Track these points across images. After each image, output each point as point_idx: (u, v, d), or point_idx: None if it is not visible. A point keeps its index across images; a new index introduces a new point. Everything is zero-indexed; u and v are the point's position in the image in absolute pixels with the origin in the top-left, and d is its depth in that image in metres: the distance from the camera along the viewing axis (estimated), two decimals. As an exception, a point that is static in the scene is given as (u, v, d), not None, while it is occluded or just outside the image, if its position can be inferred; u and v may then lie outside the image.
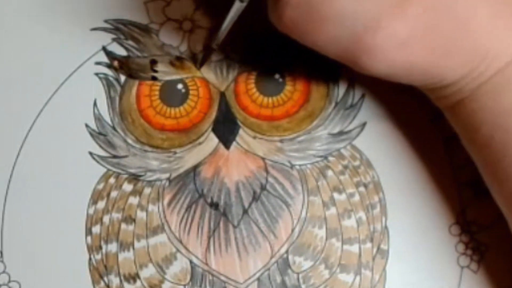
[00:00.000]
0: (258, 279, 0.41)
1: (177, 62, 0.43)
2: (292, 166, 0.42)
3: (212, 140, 0.42)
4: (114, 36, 0.43)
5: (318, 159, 0.42)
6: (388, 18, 0.33)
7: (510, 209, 0.37)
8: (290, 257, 0.41)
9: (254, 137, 0.43)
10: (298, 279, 0.41)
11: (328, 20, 0.33)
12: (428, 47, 0.34)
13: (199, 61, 0.43)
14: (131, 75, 0.43)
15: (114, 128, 0.43)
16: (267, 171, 0.42)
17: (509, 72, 0.34)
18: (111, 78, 0.43)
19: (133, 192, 0.42)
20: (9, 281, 0.41)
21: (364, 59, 0.34)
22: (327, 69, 0.42)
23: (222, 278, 0.41)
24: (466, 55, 0.34)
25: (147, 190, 0.42)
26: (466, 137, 0.37)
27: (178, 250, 0.41)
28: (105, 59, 0.43)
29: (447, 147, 0.41)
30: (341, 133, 0.43)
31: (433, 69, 0.34)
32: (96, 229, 0.42)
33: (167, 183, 0.42)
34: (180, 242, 0.41)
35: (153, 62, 0.43)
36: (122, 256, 0.41)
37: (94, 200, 0.42)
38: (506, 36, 0.34)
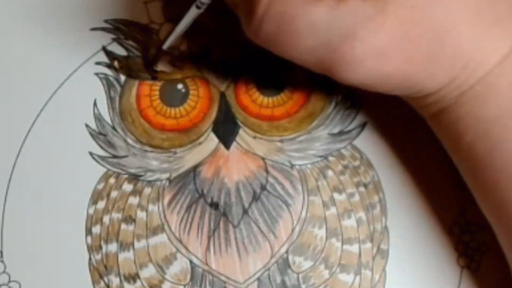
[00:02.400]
0: (258, 279, 0.41)
1: (177, 62, 0.43)
2: (292, 166, 0.42)
3: (212, 140, 0.42)
4: (114, 36, 0.43)
5: (318, 159, 0.42)
6: (363, 30, 0.32)
7: (495, 217, 0.37)
8: (290, 257, 0.41)
9: (254, 137, 0.43)
10: (298, 279, 0.41)
11: (303, 32, 0.33)
12: (406, 57, 0.33)
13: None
14: (131, 75, 0.43)
15: (114, 128, 0.43)
16: (267, 171, 0.42)
17: (490, 80, 0.34)
18: (111, 78, 0.43)
19: (133, 192, 0.42)
20: (9, 281, 0.41)
21: (340, 70, 0.34)
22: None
23: (222, 278, 0.41)
24: (446, 64, 0.34)
25: (147, 190, 0.42)
26: (449, 146, 0.37)
27: (178, 250, 0.41)
28: (105, 59, 0.43)
29: (447, 147, 0.41)
30: (341, 133, 0.43)
31: (412, 79, 0.34)
32: (96, 229, 0.42)
33: (167, 183, 0.42)
34: (180, 242, 0.41)
35: (153, 62, 0.43)
36: (122, 256, 0.41)
37: (94, 200, 0.42)
38: (487, 45, 0.34)
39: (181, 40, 0.43)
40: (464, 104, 0.35)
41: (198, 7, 0.36)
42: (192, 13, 0.37)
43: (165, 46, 0.40)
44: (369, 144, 0.42)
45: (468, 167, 0.37)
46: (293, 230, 0.41)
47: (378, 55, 0.33)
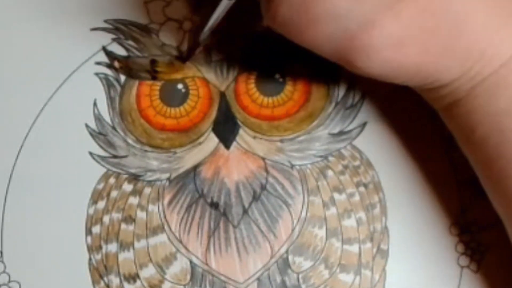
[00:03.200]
0: (258, 279, 0.41)
1: (177, 62, 0.43)
2: (292, 166, 0.42)
3: (212, 140, 0.42)
4: (114, 36, 0.43)
5: (318, 159, 0.42)
6: (382, 18, 0.33)
7: (506, 209, 0.37)
8: (290, 257, 0.41)
9: (254, 137, 0.43)
10: (298, 279, 0.41)
11: (321, 18, 0.33)
12: (423, 47, 0.34)
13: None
14: (131, 75, 0.43)
15: (114, 128, 0.43)
16: (267, 171, 0.42)
17: (504, 73, 0.34)
18: (111, 78, 0.43)
19: (133, 192, 0.42)
20: (9, 281, 0.41)
21: (357, 58, 0.34)
22: (327, 69, 0.42)
23: (222, 278, 0.41)
24: (461, 55, 0.34)
25: (147, 190, 0.42)
26: (461, 138, 0.37)
27: (178, 250, 0.41)
28: (105, 59, 0.43)
29: (447, 147, 0.41)
30: (341, 133, 0.43)
31: (428, 69, 0.34)
32: (96, 229, 0.42)
33: (167, 183, 0.42)
34: (180, 242, 0.41)
35: (153, 62, 0.43)
36: (122, 256, 0.41)
37: (94, 200, 0.42)
38: (502, 37, 0.34)
39: (181, 40, 0.43)
40: (477, 96, 0.35)
41: None
42: (223, 5, 0.37)
43: (201, 39, 0.40)
44: (369, 144, 0.42)
45: (480, 159, 0.37)
46: (293, 230, 0.41)
47: (395, 44, 0.33)
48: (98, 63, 0.43)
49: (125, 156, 0.42)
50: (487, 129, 0.35)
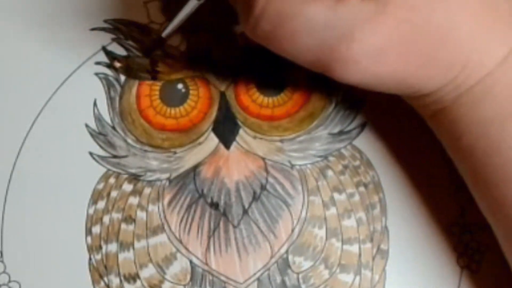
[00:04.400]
0: (258, 279, 0.41)
1: (177, 62, 0.43)
2: (292, 166, 0.42)
3: (212, 140, 0.42)
4: (114, 36, 0.43)
5: (318, 159, 0.42)
6: (360, 31, 0.32)
7: (494, 216, 0.37)
8: (290, 257, 0.41)
9: (254, 137, 0.43)
10: (298, 279, 0.41)
11: (300, 31, 0.33)
12: (404, 58, 0.33)
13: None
14: (131, 75, 0.43)
15: (114, 128, 0.43)
16: (267, 171, 0.42)
17: (489, 82, 0.34)
18: (111, 78, 0.43)
19: (133, 192, 0.42)
20: (9, 281, 0.41)
21: (337, 69, 0.34)
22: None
23: (222, 278, 0.41)
24: (445, 65, 0.34)
25: (147, 190, 0.42)
26: (448, 145, 0.37)
27: (178, 250, 0.41)
28: (105, 59, 0.43)
29: (447, 147, 0.41)
30: (341, 133, 0.43)
31: (410, 79, 0.34)
32: (96, 229, 0.42)
33: (167, 183, 0.42)
34: (180, 242, 0.41)
35: (153, 62, 0.43)
36: (122, 256, 0.41)
37: (94, 200, 0.42)
38: (486, 47, 0.33)
39: (181, 40, 0.43)
40: (463, 105, 0.35)
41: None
42: (191, 5, 0.37)
43: (164, 34, 0.40)
44: (369, 144, 0.42)
45: (467, 167, 0.37)
46: (293, 230, 0.41)
47: (375, 56, 0.33)
48: (98, 63, 0.43)
49: (125, 156, 0.42)
50: (473, 137, 0.35)
